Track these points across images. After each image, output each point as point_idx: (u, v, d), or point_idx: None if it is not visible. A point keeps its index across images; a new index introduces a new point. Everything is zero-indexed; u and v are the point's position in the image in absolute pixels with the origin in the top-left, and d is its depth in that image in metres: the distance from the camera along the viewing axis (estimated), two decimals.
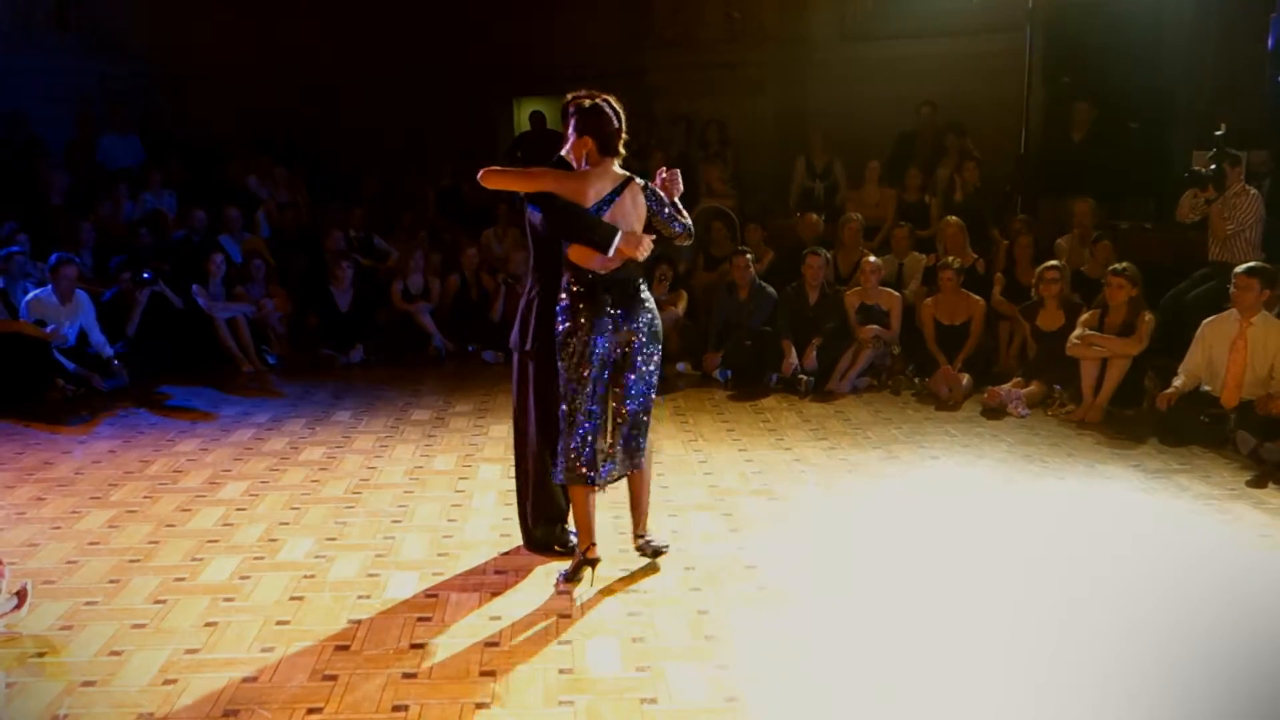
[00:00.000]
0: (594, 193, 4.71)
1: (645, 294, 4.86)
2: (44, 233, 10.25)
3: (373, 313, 10.42)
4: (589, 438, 4.78)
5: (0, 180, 10.73)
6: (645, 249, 4.77)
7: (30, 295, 8.83)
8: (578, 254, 4.72)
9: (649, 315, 4.85)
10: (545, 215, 4.78)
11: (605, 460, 4.83)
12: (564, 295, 4.77)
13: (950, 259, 9.00)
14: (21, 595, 4.50)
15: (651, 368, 4.87)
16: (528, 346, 4.99)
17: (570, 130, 4.82)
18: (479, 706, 3.81)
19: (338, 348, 10.03)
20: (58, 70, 11.90)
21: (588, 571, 4.85)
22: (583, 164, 4.79)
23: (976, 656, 4.15)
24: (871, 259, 9.15)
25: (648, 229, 4.86)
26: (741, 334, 9.15)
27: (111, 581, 4.92)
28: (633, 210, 4.78)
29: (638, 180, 4.84)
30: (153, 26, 12.83)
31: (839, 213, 10.57)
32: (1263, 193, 8.65)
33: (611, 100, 4.82)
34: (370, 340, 10.17)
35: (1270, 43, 10.21)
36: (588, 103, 4.79)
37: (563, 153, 4.89)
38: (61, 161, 11.49)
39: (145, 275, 9.45)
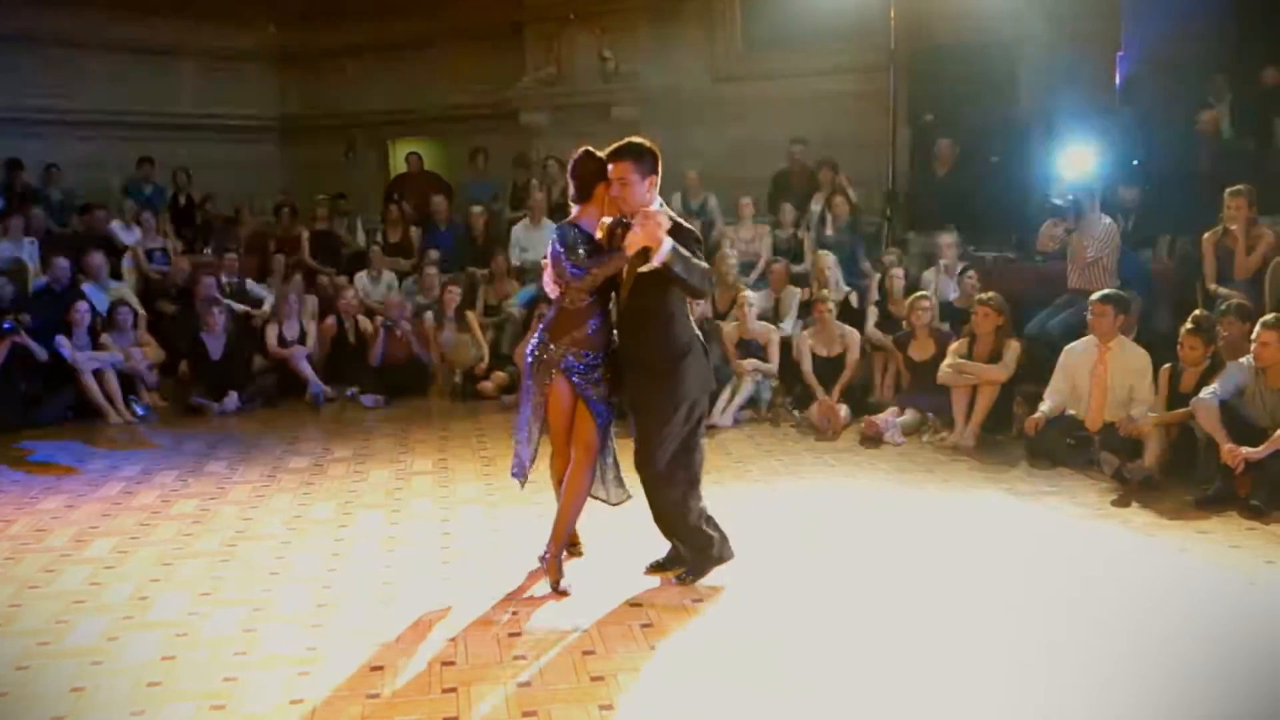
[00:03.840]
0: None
1: None
2: None
3: (247, 359, 10.20)
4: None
5: None
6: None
7: None
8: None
9: None
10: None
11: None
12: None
13: (825, 293, 9.19)
14: None
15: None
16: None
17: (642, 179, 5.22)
18: None
19: (211, 396, 9.77)
20: None
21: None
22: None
23: (853, 683, 4.21)
24: (748, 294, 9.29)
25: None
26: None
27: None
28: None
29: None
30: (17, 71, 12.51)
31: (715, 249, 10.70)
32: (1126, 228, 9.06)
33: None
34: (245, 388, 9.93)
35: (1119, 80, 10.75)
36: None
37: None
38: None
39: (6, 326, 9.11)
